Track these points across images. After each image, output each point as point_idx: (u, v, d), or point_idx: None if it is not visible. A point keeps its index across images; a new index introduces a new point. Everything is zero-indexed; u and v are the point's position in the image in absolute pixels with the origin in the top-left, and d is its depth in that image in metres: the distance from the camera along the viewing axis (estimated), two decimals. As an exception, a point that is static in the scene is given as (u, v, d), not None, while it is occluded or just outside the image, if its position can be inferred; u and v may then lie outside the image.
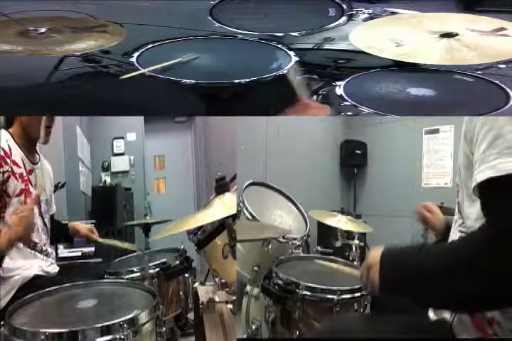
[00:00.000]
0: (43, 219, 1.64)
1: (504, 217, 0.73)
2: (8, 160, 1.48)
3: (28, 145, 1.61)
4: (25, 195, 1.52)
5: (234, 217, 1.30)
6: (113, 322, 1.01)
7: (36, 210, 1.59)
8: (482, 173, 0.78)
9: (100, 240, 1.89)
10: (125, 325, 1.02)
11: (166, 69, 1.40)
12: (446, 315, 0.97)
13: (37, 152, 1.68)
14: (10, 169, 1.47)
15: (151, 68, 1.38)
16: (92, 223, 3.02)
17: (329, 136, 4.67)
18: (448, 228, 1.04)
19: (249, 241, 1.74)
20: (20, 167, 1.53)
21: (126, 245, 1.88)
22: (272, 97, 1.38)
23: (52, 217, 1.79)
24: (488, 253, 0.73)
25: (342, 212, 3.07)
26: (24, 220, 1.33)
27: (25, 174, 1.55)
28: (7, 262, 1.44)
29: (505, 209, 0.74)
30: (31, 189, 1.57)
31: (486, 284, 0.74)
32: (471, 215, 0.91)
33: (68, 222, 1.93)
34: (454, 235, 1.01)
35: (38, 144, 1.67)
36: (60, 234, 1.86)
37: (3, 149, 1.47)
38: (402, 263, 0.89)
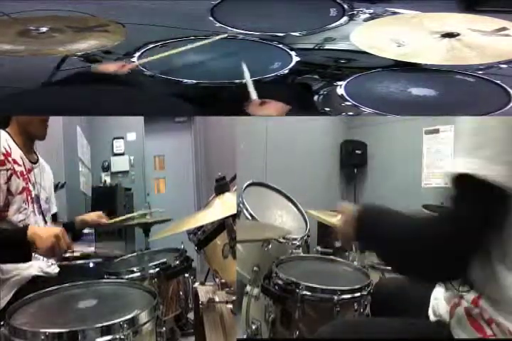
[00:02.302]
0: (43, 218, 1.64)
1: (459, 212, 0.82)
2: (10, 159, 1.48)
3: (26, 144, 1.61)
4: (26, 193, 1.53)
5: (234, 217, 1.30)
6: (113, 322, 1.01)
7: (36, 209, 1.59)
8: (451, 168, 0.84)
9: (111, 221, 1.88)
10: (125, 325, 1.01)
11: (168, 69, 1.40)
12: (446, 316, 0.97)
13: (34, 152, 1.68)
14: (11, 167, 1.48)
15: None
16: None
17: (329, 136, 4.66)
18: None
19: (249, 241, 1.74)
20: (20, 165, 1.53)
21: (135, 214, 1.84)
22: (271, 97, 1.38)
23: (54, 216, 1.78)
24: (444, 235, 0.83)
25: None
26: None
27: (25, 172, 1.55)
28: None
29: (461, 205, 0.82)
30: (31, 187, 1.57)
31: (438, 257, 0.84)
32: None
33: (75, 218, 1.87)
34: None
35: (35, 144, 1.67)
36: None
37: (4, 148, 1.48)
38: (378, 218, 0.99)
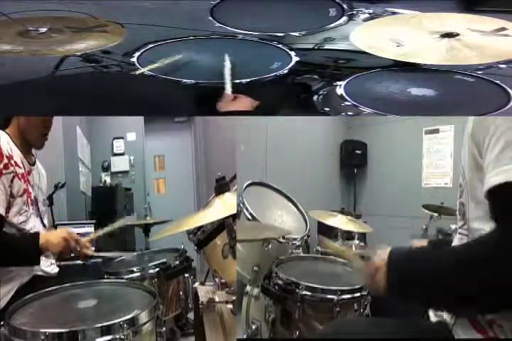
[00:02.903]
0: (41, 220, 1.64)
1: None
2: (12, 161, 1.48)
3: (25, 146, 1.61)
4: (27, 195, 1.53)
5: (234, 217, 1.30)
6: (113, 322, 1.01)
7: (35, 211, 1.59)
8: (495, 177, 0.77)
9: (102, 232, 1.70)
10: (125, 325, 1.02)
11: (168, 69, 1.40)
12: (446, 316, 0.97)
13: (32, 153, 1.68)
14: (14, 170, 1.48)
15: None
16: (92, 223, 3.03)
17: (329, 136, 4.67)
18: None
19: (249, 241, 1.74)
20: (20, 167, 1.53)
21: (116, 225, 1.73)
22: (271, 97, 1.38)
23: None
24: (496, 260, 0.74)
25: (342, 212, 3.07)
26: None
27: (25, 174, 1.55)
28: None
29: None
30: (30, 189, 1.57)
31: (490, 289, 0.75)
32: (476, 218, 0.90)
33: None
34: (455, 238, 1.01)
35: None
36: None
37: (7, 151, 1.47)
38: (411, 265, 0.88)
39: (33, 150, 1.69)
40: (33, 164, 1.65)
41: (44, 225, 1.66)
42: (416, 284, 0.85)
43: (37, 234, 1.45)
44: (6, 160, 1.44)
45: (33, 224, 1.55)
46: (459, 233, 0.98)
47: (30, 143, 1.61)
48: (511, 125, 0.78)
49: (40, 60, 1.45)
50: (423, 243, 1.38)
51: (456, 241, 0.99)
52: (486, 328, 0.86)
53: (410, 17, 1.65)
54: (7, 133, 1.57)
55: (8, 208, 1.45)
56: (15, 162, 1.50)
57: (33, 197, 1.58)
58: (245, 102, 1.28)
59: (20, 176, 1.50)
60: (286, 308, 1.48)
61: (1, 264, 1.40)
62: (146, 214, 3.03)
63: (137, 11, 1.74)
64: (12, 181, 1.46)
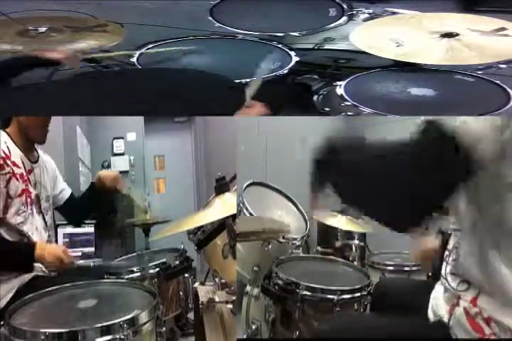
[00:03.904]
0: (43, 217, 1.64)
1: None
2: (9, 162, 1.48)
3: (26, 144, 1.61)
4: (25, 195, 1.52)
5: (234, 217, 1.30)
6: (113, 322, 1.01)
7: (35, 209, 1.59)
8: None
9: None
10: (125, 325, 1.02)
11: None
12: (445, 316, 0.97)
13: (36, 150, 1.68)
14: (11, 170, 1.47)
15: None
16: (92, 223, 3.03)
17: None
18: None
19: (249, 241, 1.74)
20: (20, 167, 1.53)
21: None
22: (271, 97, 1.38)
23: (72, 196, 1.84)
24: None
25: (342, 212, 3.07)
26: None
27: (24, 174, 1.55)
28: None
29: None
30: (31, 189, 1.57)
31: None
32: (465, 216, 0.91)
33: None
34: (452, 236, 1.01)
35: (35, 144, 1.66)
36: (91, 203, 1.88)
37: (3, 151, 1.47)
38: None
39: (36, 148, 1.69)
40: (36, 161, 1.65)
41: (45, 222, 1.66)
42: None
43: (33, 244, 1.48)
44: (0, 161, 1.44)
45: (32, 224, 1.55)
46: (454, 230, 0.99)
47: (32, 139, 1.61)
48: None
49: (40, 59, 1.45)
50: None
51: (452, 239, 1.00)
52: (484, 326, 0.86)
53: (410, 17, 1.65)
54: (7, 132, 1.57)
55: (5, 209, 1.45)
56: (13, 162, 1.50)
57: (33, 196, 1.57)
58: (259, 109, 1.28)
59: (18, 176, 1.50)
60: (286, 308, 1.48)
61: None
62: (147, 211, 3.02)
63: (137, 11, 1.74)
64: (9, 182, 1.46)
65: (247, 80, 1.36)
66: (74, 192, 1.91)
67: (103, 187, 1.79)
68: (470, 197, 0.88)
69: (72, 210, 1.85)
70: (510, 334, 0.83)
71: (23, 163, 1.55)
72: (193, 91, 1.27)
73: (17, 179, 1.49)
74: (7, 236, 1.46)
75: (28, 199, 1.54)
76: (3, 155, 1.46)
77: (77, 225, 2.50)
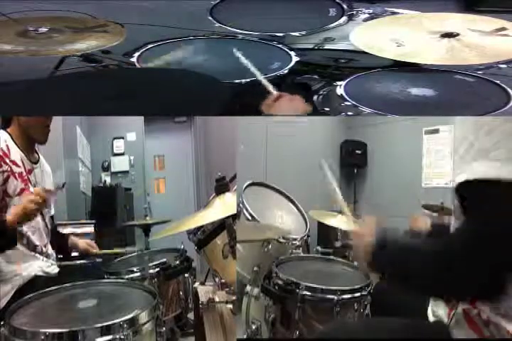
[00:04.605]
0: (43, 218, 1.64)
1: (480, 218, 0.77)
2: (7, 160, 1.48)
3: (27, 144, 1.61)
4: (25, 195, 1.52)
5: (234, 217, 1.30)
6: (113, 322, 1.01)
7: None
8: (458, 176, 0.80)
9: (99, 252, 1.92)
10: (125, 325, 1.01)
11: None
12: (444, 316, 0.97)
13: (36, 151, 1.68)
14: (9, 169, 1.47)
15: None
16: (92, 223, 3.03)
17: (329, 136, 4.66)
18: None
19: (250, 241, 1.74)
20: (19, 166, 1.53)
21: (125, 250, 1.88)
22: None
23: (51, 219, 1.78)
24: (466, 254, 0.78)
25: (342, 212, 3.07)
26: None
27: (24, 173, 1.55)
28: (7, 263, 1.45)
29: (481, 210, 0.77)
30: (31, 188, 1.57)
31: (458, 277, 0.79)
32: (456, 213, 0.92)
33: (68, 235, 1.93)
34: None
35: (36, 144, 1.66)
36: (59, 244, 1.84)
37: (1, 149, 1.47)
38: (395, 248, 0.93)
39: (37, 150, 1.69)
40: (36, 162, 1.65)
41: (46, 223, 1.66)
42: (397, 265, 0.90)
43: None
44: None
45: (33, 224, 1.55)
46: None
47: (33, 139, 1.61)
48: (476, 126, 0.81)
49: (40, 60, 1.45)
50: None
51: None
52: (483, 328, 0.86)
53: (410, 17, 1.65)
54: (8, 132, 1.57)
55: (4, 207, 1.45)
56: (12, 161, 1.50)
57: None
58: (299, 105, 1.24)
59: (17, 175, 1.50)
60: (286, 308, 1.48)
61: None
62: (146, 214, 3.02)
63: (137, 11, 1.74)
64: (7, 180, 1.46)
65: (247, 80, 1.36)
66: (73, 192, 1.91)
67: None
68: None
69: None
70: (508, 336, 0.83)
71: (23, 162, 1.55)
72: (192, 92, 1.27)
73: (16, 178, 1.49)
74: None
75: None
76: (0, 153, 1.46)
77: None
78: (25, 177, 1.55)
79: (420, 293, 0.96)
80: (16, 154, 1.54)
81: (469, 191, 0.79)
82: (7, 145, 1.51)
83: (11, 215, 1.34)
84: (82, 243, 1.88)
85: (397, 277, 0.93)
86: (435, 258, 0.82)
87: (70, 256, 1.95)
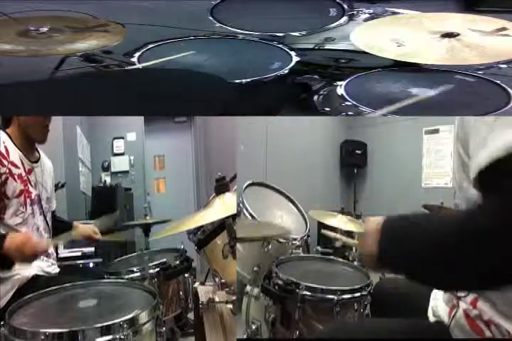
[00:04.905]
0: (44, 218, 1.64)
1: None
2: (6, 162, 1.48)
3: (27, 144, 1.61)
4: (24, 196, 1.52)
5: (234, 217, 1.30)
6: (113, 322, 1.01)
7: (37, 210, 1.59)
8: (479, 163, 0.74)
9: (103, 238, 1.90)
10: (125, 325, 1.01)
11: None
12: (444, 317, 0.97)
13: (37, 150, 1.68)
14: (7, 171, 1.47)
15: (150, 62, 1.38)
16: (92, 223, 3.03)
17: (329, 136, 4.67)
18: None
19: (250, 239, 1.74)
20: (18, 167, 1.53)
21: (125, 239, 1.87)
22: (271, 97, 1.38)
23: (53, 214, 1.79)
24: (497, 230, 0.69)
25: (342, 212, 3.07)
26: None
27: (24, 174, 1.55)
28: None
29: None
30: (31, 189, 1.57)
31: (491, 260, 0.70)
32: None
33: (73, 222, 1.92)
34: None
35: (35, 144, 1.66)
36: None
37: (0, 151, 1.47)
38: (405, 233, 0.82)
39: (38, 149, 1.69)
40: (37, 161, 1.65)
41: (47, 223, 1.66)
42: (408, 253, 0.80)
43: (4, 235, 1.38)
44: None
45: (33, 225, 1.55)
46: None
47: (33, 139, 1.61)
48: (492, 124, 0.76)
49: (40, 60, 1.45)
50: None
51: None
52: (484, 329, 0.86)
53: (410, 17, 1.64)
54: (7, 133, 1.57)
55: (3, 209, 1.45)
56: (11, 162, 1.50)
57: (34, 197, 1.57)
58: None
59: (16, 177, 1.50)
60: (286, 308, 1.48)
61: None
62: (146, 214, 3.02)
63: (137, 11, 1.74)
64: (5, 182, 1.45)
65: (247, 80, 1.36)
66: (73, 192, 1.92)
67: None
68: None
69: None
70: (509, 337, 0.83)
71: (22, 163, 1.55)
72: (192, 91, 1.27)
73: (15, 179, 1.49)
74: None
75: (28, 200, 1.54)
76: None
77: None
78: (25, 178, 1.55)
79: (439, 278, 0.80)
80: (15, 155, 1.54)
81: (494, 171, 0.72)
82: (5, 147, 1.51)
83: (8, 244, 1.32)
84: (85, 228, 1.86)
85: (413, 265, 0.81)
86: (459, 230, 0.73)
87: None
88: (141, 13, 1.73)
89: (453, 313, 0.93)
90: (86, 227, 1.87)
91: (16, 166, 1.52)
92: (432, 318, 1.04)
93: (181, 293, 1.82)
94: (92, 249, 3.01)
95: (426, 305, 1.08)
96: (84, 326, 1.00)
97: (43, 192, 1.65)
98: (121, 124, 4.98)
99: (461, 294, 0.92)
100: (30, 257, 1.36)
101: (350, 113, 1.28)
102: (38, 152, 1.69)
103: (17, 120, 1.57)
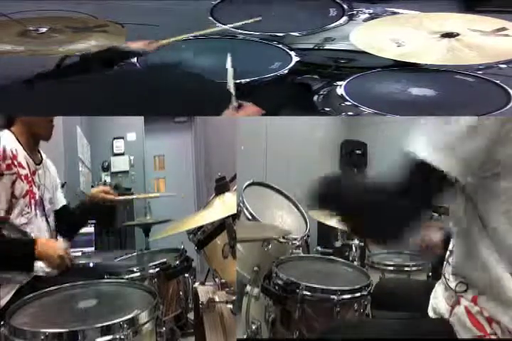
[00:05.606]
0: (46, 219, 1.64)
1: None
2: (16, 162, 1.48)
3: (31, 144, 1.61)
4: (29, 196, 1.52)
5: (234, 217, 1.30)
6: (113, 322, 1.01)
7: (39, 211, 1.59)
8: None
9: (118, 198, 1.87)
10: (125, 325, 1.02)
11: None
12: (445, 315, 0.97)
13: (39, 151, 1.68)
14: (17, 171, 1.47)
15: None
16: (92, 223, 3.03)
17: (329, 136, 4.66)
18: None
19: (250, 240, 1.74)
20: (24, 168, 1.53)
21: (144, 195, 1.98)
22: (271, 97, 1.38)
23: (66, 208, 1.81)
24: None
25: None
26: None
27: (29, 175, 1.55)
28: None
29: None
30: (35, 190, 1.57)
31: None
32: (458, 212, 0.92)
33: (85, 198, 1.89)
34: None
35: (39, 144, 1.67)
36: (84, 218, 1.89)
37: (10, 151, 1.47)
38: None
39: (40, 151, 1.69)
40: (40, 163, 1.65)
41: (49, 224, 1.66)
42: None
43: (33, 240, 1.44)
44: (9, 161, 1.44)
45: (36, 226, 1.55)
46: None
47: (38, 135, 1.62)
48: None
49: (40, 60, 1.45)
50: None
51: (453, 239, 1.00)
52: (485, 325, 0.87)
53: (410, 17, 1.64)
54: (12, 132, 1.57)
55: (9, 209, 1.45)
56: (19, 163, 1.50)
57: (37, 198, 1.57)
58: (251, 111, 1.27)
59: (23, 177, 1.50)
60: (286, 308, 1.48)
61: None
62: (146, 214, 3.02)
63: (137, 11, 1.74)
64: (14, 182, 1.46)
65: (247, 80, 1.36)
66: (74, 192, 1.91)
67: (96, 204, 1.81)
68: (467, 198, 0.88)
69: (62, 222, 1.79)
70: (509, 335, 0.84)
71: (27, 163, 1.55)
72: (191, 93, 1.28)
73: (22, 180, 1.49)
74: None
75: (32, 201, 1.54)
76: (11, 155, 1.46)
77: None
78: (30, 179, 1.55)
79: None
80: (21, 155, 1.54)
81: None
82: (15, 148, 1.51)
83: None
84: (96, 191, 1.83)
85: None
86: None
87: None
88: (141, 13, 1.73)
89: (454, 310, 0.93)
90: (94, 191, 1.85)
91: (23, 167, 1.52)
92: (432, 316, 1.04)
93: (181, 293, 1.82)
94: (92, 249, 3.01)
95: (426, 304, 1.08)
96: (84, 326, 1.00)
97: (46, 194, 1.65)
98: (121, 124, 4.98)
99: (460, 289, 0.92)
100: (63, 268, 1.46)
101: (350, 113, 1.28)
102: (41, 154, 1.69)
103: (20, 118, 1.57)
